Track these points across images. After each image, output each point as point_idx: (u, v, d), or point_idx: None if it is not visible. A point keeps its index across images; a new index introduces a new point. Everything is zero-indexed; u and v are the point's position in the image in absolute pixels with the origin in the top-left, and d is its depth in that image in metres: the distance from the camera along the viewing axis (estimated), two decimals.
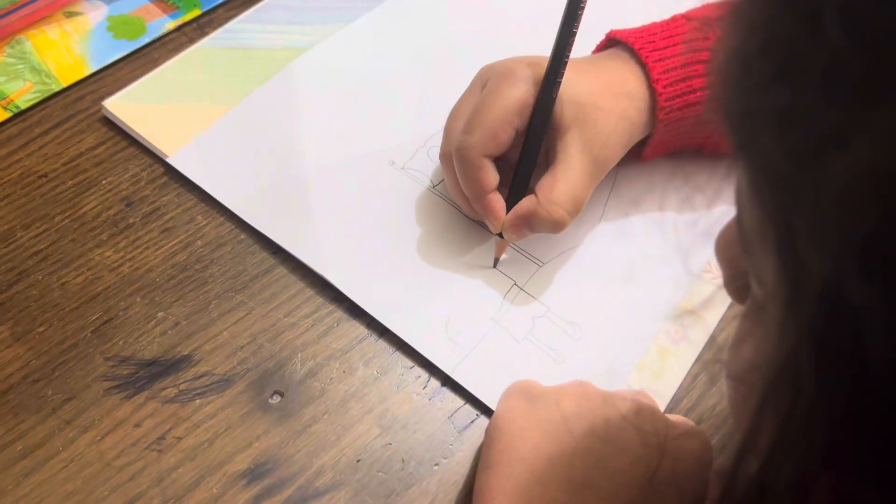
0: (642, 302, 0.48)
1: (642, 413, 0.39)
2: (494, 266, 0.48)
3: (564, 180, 0.45)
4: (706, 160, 0.51)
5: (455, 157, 0.45)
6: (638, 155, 0.51)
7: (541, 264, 0.49)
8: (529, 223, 0.45)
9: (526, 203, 0.45)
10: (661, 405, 0.45)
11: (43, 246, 0.46)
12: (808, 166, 0.20)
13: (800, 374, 0.21)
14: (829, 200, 0.19)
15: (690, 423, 0.41)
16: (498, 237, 0.47)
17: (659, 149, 0.50)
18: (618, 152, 0.47)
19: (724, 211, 0.28)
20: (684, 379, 0.46)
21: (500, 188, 0.46)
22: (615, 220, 0.51)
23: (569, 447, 0.37)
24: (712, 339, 0.48)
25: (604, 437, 0.38)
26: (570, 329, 0.47)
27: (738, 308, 0.48)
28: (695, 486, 0.38)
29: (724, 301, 0.49)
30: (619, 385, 0.45)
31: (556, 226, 0.45)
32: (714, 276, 0.50)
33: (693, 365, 0.46)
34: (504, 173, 0.46)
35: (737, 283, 0.31)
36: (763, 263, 0.24)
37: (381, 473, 0.41)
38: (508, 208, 0.46)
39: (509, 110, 0.45)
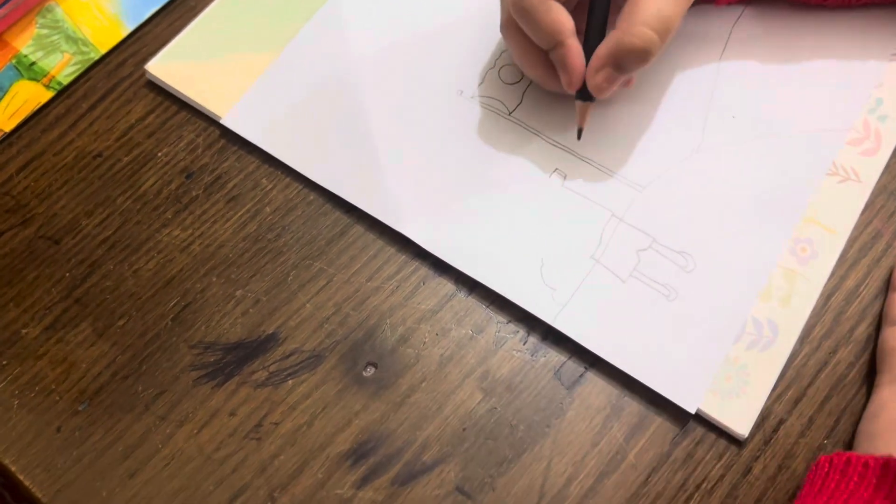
0: (760, 217, 0.42)
1: None
2: (579, 137, 0.44)
3: (648, 1, 0.39)
4: None
5: (515, 11, 0.40)
6: None
7: (639, 188, 0.43)
8: (614, 58, 0.39)
9: (607, 39, 0.40)
10: (792, 336, 0.40)
11: (109, 232, 0.44)
12: None
13: None
14: None
15: None
16: (579, 101, 0.42)
17: None
18: None
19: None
20: (815, 302, 0.41)
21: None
22: (720, 122, 0.45)
23: None
24: (845, 253, 0.42)
25: None
26: (681, 260, 0.42)
27: (877, 209, 0.43)
28: None
29: (856, 206, 0.43)
30: (740, 321, 0.40)
31: (644, 51, 0.39)
32: (841, 178, 0.43)
33: (825, 285, 0.41)
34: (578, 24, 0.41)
35: None
36: None
37: (489, 441, 0.39)
38: (587, 57, 0.41)
39: None
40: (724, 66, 0.46)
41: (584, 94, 0.41)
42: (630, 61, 0.39)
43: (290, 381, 0.40)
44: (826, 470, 0.35)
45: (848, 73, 0.46)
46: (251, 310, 0.42)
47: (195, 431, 0.39)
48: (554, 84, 0.43)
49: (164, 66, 0.47)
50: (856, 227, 0.42)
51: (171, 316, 0.42)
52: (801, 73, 0.46)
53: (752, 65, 0.46)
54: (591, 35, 0.41)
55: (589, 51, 0.41)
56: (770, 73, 0.46)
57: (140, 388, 0.40)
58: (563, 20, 0.39)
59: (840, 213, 0.43)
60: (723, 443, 0.38)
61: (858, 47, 0.46)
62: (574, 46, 0.40)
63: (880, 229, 0.43)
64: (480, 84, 0.47)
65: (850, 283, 0.42)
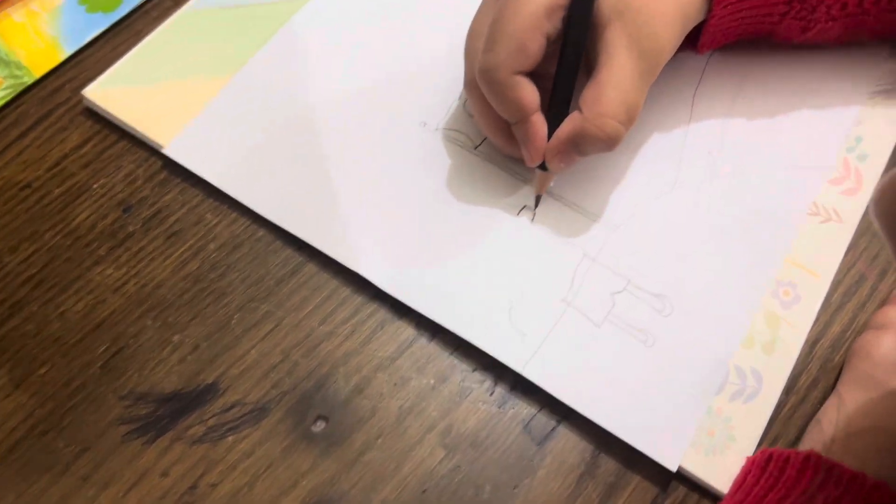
0: (740, 258, 0.40)
1: None
2: (536, 205, 0.41)
3: (612, 85, 0.36)
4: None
5: (480, 81, 0.38)
6: (693, 46, 0.42)
7: (613, 227, 0.41)
8: (577, 145, 0.37)
9: (570, 122, 0.37)
10: (777, 386, 0.37)
11: (34, 270, 0.40)
12: None
13: None
14: None
15: None
16: (539, 170, 0.40)
17: (718, 36, 0.42)
18: (672, 41, 0.38)
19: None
20: (801, 349, 0.38)
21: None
22: (696, 159, 0.43)
23: None
24: (829, 297, 0.40)
25: None
26: (658, 303, 0.39)
27: (860, 252, 0.41)
28: None
29: (839, 248, 0.41)
30: (722, 369, 0.37)
31: (610, 142, 0.37)
32: (823, 218, 0.41)
33: (809, 331, 0.39)
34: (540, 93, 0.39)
35: None
36: None
37: None
38: (550, 132, 0.38)
39: (535, 14, 0.36)
40: (698, 101, 0.44)
41: (545, 166, 0.39)
42: (594, 149, 0.38)
43: (231, 437, 0.36)
44: (748, 469, 0.34)
45: (826, 111, 0.44)
46: (189, 357, 0.38)
47: (121, 494, 0.35)
48: (514, 151, 0.40)
49: (104, 92, 0.44)
50: (839, 270, 0.40)
51: (100, 363, 0.38)
52: (778, 110, 0.44)
53: (727, 102, 0.44)
54: (555, 107, 0.39)
55: (552, 122, 0.38)
56: (746, 111, 0.44)
57: (61, 445, 0.36)
58: (530, 97, 0.37)
59: (822, 254, 0.40)
60: (707, 503, 0.35)
61: (836, 85, 0.45)
62: (537, 123, 0.38)
63: (864, 272, 0.40)
64: (446, 116, 0.44)
65: (835, 328, 0.39)
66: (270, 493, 0.35)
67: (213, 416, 0.36)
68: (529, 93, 0.37)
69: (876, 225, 0.26)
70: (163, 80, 0.44)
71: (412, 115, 0.44)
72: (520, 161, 0.42)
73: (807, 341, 0.38)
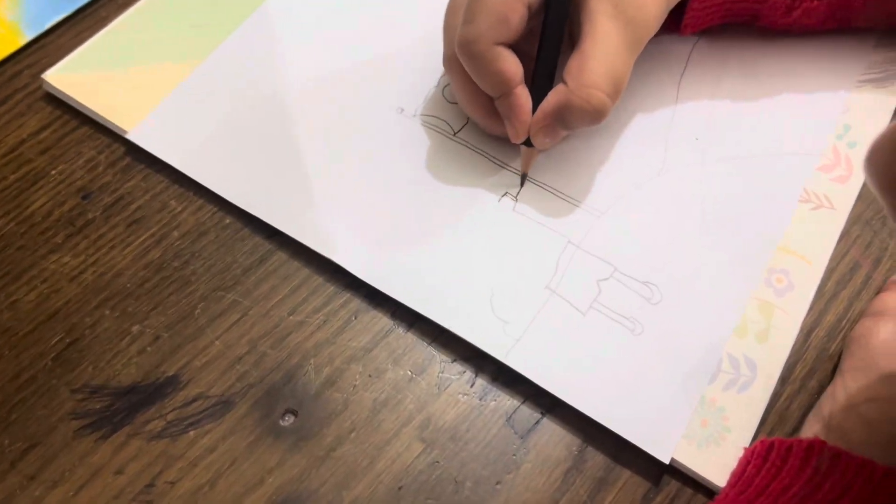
0: (731, 245, 0.38)
1: None
2: (522, 184, 0.39)
3: (596, 56, 0.35)
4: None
5: (461, 54, 0.36)
6: (677, 28, 0.41)
7: (598, 213, 0.39)
8: (562, 117, 0.36)
9: (554, 95, 0.36)
10: (772, 375, 0.35)
11: None
12: None
13: None
14: None
15: None
16: (524, 146, 0.38)
17: (701, 15, 0.41)
18: (657, 12, 0.37)
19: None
20: (795, 338, 0.36)
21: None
22: (682, 143, 0.41)
23: None
24: (822, 286, 0.38)
25: None
26: (646, 291, 0.37)
27: (853, 239, 0.39)
28: None
29: (831, 235, 0.39)
30: (714, 358, 0.35)
31: (596, 114, 0.35)
32: (814, 205, 0.40)
33: (804, 319, 0.37)
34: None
35: None
36: None
37: (430, 501, 0.33)
38: (534, 107, 0.37)
39: None
40: (684, 87, 0.43)
41: (530, 142, 0.38)
42: (580, 122, 0.36)
43: (192, 432, 0.34)
44: (748, 459, 0.32)
45: (813, 98, 0.43)
46: (149, 348, 0.35)
47: (71, 493, 0.32)
48: (497, 129, 0.39)
49: (66, 76, 0.42)
50: (832, 258, 0.39)
51: (53, 355, 0.35)
52: (765, 97, 0.43)
53: (713, 87, 0.43)
54: (539, 80, 0.37)
55: (537, 96, 0.37)
56: (733, 97, 0.43)
57: (7, 441, 0.33)
58: (513, 69, 0.36)
59: (815, 242, 0.39)
60: (701, 498, 0.33)
61: (823, 73, 0.44)
62: (522, 96, 0.36)
63: (858, 260, 0.39)
64: (423, 103, 0.42)
65: (830, 317, 0.37)
66: (234, 490, 0.32)
67: (174, 409, 0.34)
68: (512, 64, 0.35)
69: (869, 183, 0.24)
70: (128, 66, 0.42)
71: (388, 100, 0.42)
72: (501, 145, 0.40)
73: (801, 330, 0.37)
